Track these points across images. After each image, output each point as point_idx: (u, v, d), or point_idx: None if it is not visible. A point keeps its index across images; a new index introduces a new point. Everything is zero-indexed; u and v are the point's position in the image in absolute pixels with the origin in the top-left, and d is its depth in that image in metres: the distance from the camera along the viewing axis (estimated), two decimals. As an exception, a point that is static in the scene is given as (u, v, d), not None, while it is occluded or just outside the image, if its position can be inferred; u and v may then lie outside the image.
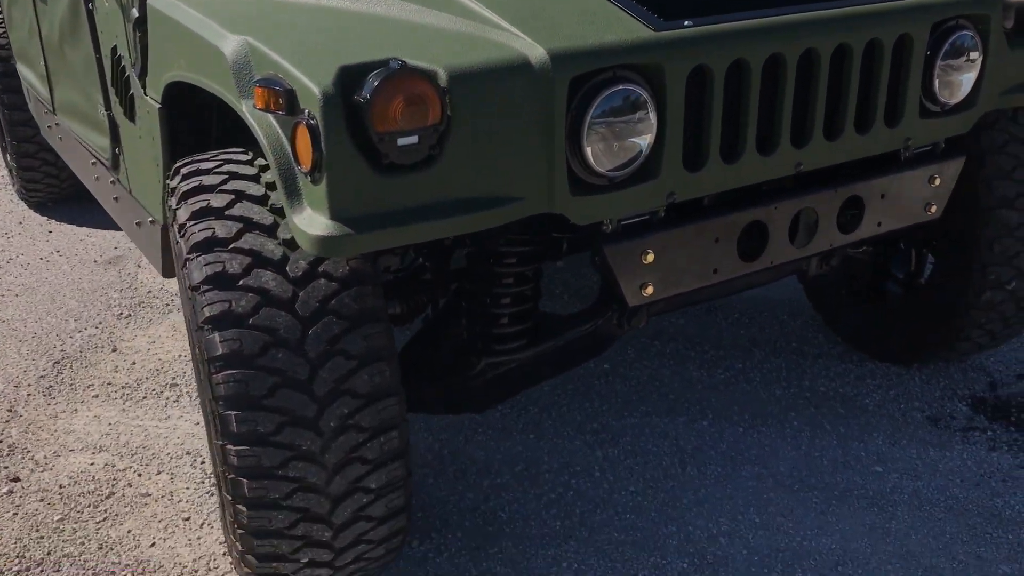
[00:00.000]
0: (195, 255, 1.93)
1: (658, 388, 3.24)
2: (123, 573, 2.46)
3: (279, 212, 1.98)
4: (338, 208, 1.73)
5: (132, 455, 2.95)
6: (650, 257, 2.09)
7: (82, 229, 4.77)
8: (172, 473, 2.86)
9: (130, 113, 2.71)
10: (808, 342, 3.51)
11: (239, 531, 1.97)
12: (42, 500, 2.74)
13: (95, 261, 4.39)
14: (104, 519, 2.66)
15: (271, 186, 2.02)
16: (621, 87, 1.91)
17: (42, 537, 2.59)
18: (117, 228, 4.43)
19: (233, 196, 2.00)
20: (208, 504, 2.72)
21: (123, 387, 3.33)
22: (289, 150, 1.78)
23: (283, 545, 1.98)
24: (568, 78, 1.85)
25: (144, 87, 2.51)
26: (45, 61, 3.63)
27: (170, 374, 3.41)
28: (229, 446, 1.88)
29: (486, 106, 1.79)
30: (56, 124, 3.82)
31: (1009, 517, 2.58)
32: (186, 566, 2.48)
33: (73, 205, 4.92)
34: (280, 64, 1.79)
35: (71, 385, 3.34)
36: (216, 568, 2.47)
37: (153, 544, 2.56)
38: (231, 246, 1.93)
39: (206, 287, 1.89)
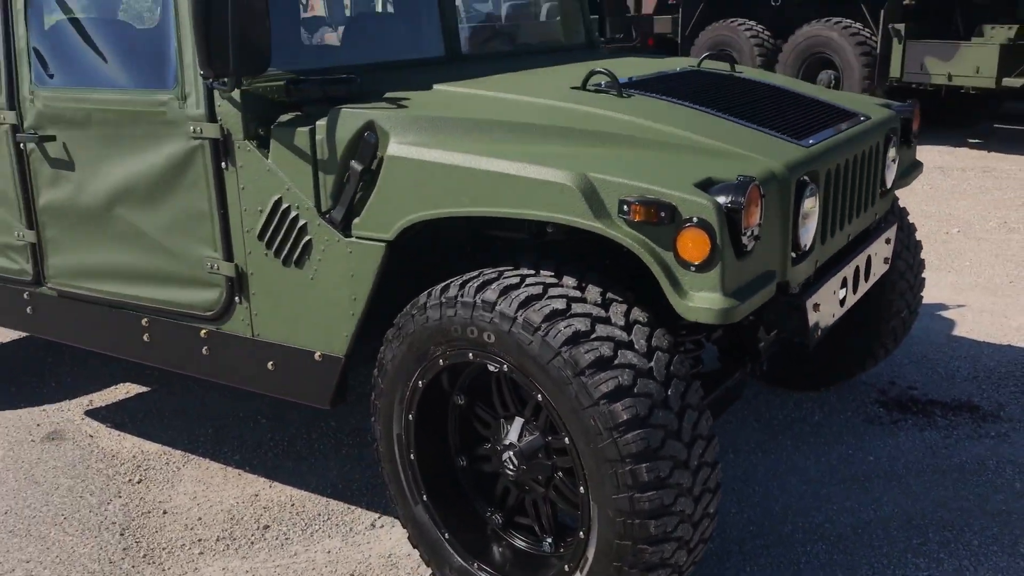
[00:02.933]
0: (570, 347, 2.36)
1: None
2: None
3: (601, 305, 2.48)
4: (728, 287, 2.33)
5: (305, 591, 3.00)
6: (820, 307, 2.88)
7: (-35, 416, 4.34)
8: (363, 594, 2.98)
9: (293, 259, 2.92)
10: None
11: (631, 570, 2.37)
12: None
13: (32, 440, 4.07)
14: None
15: (580, 288, 2.51)
16: (811, 185, 2.72)
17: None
18: None
19: (563, 302, 2.46)
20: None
21: (219, 540, 3.29)
22: (670, 252, 2.33)
23: (662, 573, 2.41)
24: (795, 180, 2.62)
25: (347, 230, 2.79)
26: (39, 229, 3.50)
27: (251, 519, 3.42)
28: (637, 495, 2.32)
29: (769, 203, 2.50)
30: (38, 297, 3.64)
31: (971, 467, 3.68)
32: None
33: None
34: (644, 187, 2.35)
35: (163, 549, 3.23)
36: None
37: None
38: (593, 337, 2.39)
39: (591, 370, 2.34)
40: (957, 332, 5.11)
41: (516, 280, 2.54)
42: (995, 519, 3.33)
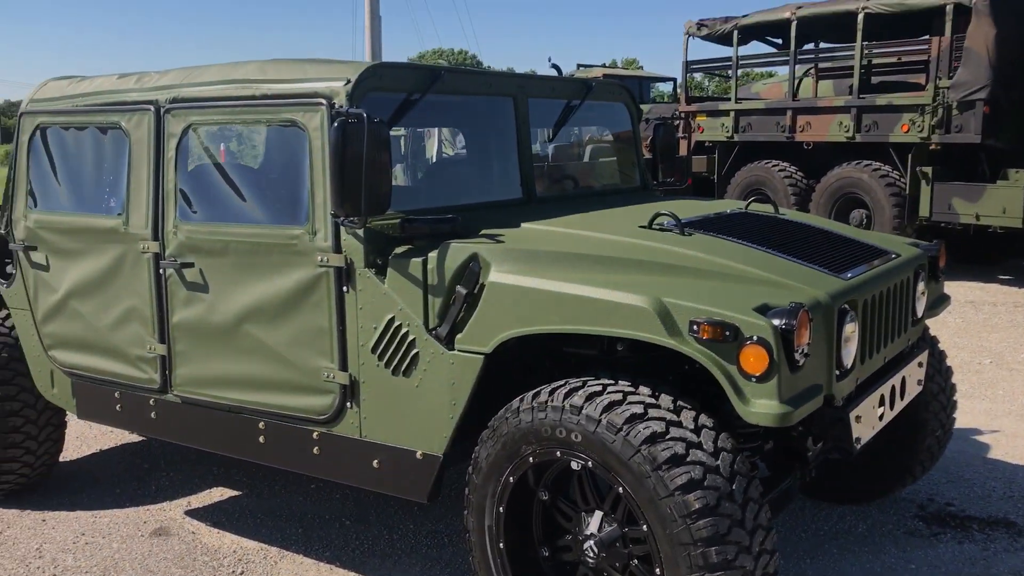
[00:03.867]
0: (648, 445, 2.79)
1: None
2: None
3: (673, 411, 2.91)
4: (784, 395, 2.76)
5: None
6: (862, 419, 3.28)
7: (75, 513, 4.76)
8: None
9: (401, 369, 3.39)
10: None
11: (704, 643, 2.73)
12: None
13: (141, 536, 4.48)
14: None
15: (654, 396, 2.95)
16: (850, 312, 3.17)
17: None
18: (102, 503, 4.86)
19: (640, 407, 2.89)
20: None
21: (319, 624, 3.65)
22: (734, 366, 2.77)
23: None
24: (836, 308, 3.08)
25: (450, 345, 3.27)
26: (169, 343, 4.01)
27: (344, 608, 3.78)
28: (707, 574, 2.69)
29: (816, 327, 2.95)
30: (162, 403, 4.12)
31: (1007, 576, 3.99)
32: None
33: (26, 495, 4.96)
34: (712, 311, 2.81)
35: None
36: None
37: None
38: (668, 437, 2.81)
39: (667, 465, 2.76)
40: (992, 455, 5.42)
41: (599, 388, 2.98)
42: (1030, 622, 3.61)
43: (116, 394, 4.32)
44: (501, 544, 3.24)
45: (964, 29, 10.66)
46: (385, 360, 3.44)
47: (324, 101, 3.48)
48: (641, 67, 53.92)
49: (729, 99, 13.58)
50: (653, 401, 2.93)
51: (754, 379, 2.77)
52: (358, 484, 3.65)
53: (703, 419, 2.92)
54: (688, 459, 2.78)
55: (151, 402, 4.19)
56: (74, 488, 5.11)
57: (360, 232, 3.41)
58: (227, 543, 4.40)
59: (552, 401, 3.01)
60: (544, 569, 3.30)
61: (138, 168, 4.04)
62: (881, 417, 3.52)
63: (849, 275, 3.37)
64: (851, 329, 3.16)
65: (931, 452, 4.47)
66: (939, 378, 4.40)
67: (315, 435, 3.68)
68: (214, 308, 3.85)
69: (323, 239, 3.50)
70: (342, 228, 3.45)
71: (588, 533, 3.11)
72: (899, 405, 3.73)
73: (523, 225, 3.60)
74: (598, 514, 3.10)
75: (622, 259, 3.22)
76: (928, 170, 11.07)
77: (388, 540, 4.41)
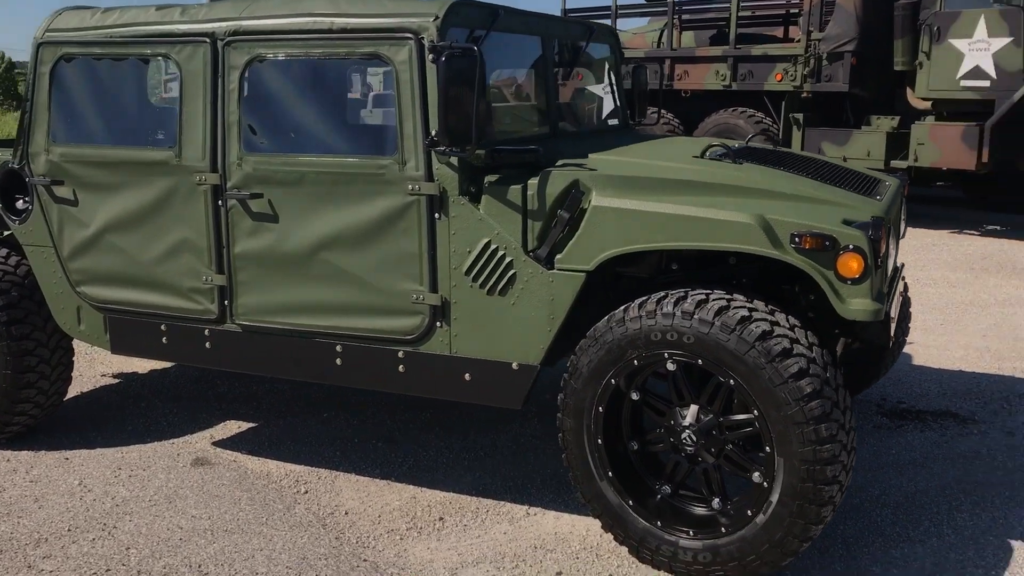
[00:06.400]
0: (761, 342, 3.22)
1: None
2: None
3: (769, 314, 3.35)
4: (875, 293, 3.25)
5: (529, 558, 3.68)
6: (892, 321, 3.83)
7: (96, 451, 4.76)
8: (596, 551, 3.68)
9: (497, 289, 3.67)
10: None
11: (810, 506, 3.21)
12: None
13: (184, 466, 4.55)
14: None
15: (750, 302, 3.38)
16: (890, 227, 3.70)
17: None
18: (118, 439, 4.78)
19: (745, 311, 3.32)
20: (604, 566, 3.63)
21: (409, 529, 3.92)
22: (831, 271, 3.24)
23: (828, 510, 3.26)
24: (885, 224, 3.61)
25: (549, 265, 3.58)
26: (230, 273, 4.09)
27: (424, 514, 4.06)
28: (818, 446, 3.18)
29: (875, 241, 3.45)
30: (219, 334, 4.20)
31: (970, 455, 4.70)
32: None
33: (28, 438, 4.90)
34: (809, 224, 3.26)
35: (367, 536, 3.83)
36: None
37: None
38: (775, 335, 3.26)
39: (780, 358, 3.21)
40: (916, 363, 6.23)
41: (703, 297, 3.38)
42: (1006, 487, 4.34)
43: (162, 327, 4.35)
44: (600, 440, 3.61)
45: (834, -14, 11.60)
46: (480, 281, 3.70)
47: (412, 36, 3.66)
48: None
49: (607, 47, 14.11)
50: (752, 306, 3.36)
51: (849, 282, 3.25)
52: (446, 397, 3.91)
53: (793, 321, 3.38)
54: (794, 352, 3.24)
55: (206, 332, 4.26)
56: (79, 429, 5.05)
57: (455, 161, 3.64)
58: (273, 468, 4.54)
59: (661, 309, 3.39)
60: (632, 460, 3.69)
61: (192, 100, 4.06)
62: (893, 320, 4.11)
63: (878, 197, 3.90)
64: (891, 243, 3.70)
65: (893, 356, 5.15)
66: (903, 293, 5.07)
67: (400, 354, 3.90)
68: (285, 237, 3.97)
69: (414, 168, 3.70)
70: (435, 158, 3.66)
71: (685, 424, 3.52)
72: (897, 312, 4.35)
73: (591, 156, 3.92)
74: (694, 407, 3.52)
75: (705, 183, 3.61)
76: (799, 116, 12.03)
77: (427, 456, 4.68)
